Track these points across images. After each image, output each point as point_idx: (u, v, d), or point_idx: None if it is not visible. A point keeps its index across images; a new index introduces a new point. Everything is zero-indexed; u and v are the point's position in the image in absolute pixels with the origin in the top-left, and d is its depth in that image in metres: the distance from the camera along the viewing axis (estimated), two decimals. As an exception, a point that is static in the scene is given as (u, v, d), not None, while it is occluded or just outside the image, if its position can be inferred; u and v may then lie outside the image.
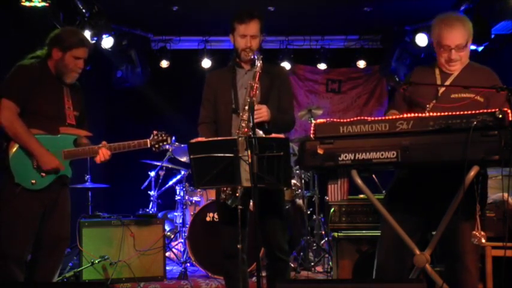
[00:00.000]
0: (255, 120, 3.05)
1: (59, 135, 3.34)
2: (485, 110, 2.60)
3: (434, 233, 2.90)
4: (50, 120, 3.31)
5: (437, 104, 2.91)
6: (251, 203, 3.49)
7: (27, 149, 3.24)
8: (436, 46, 3.00)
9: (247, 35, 3.27)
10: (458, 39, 2.93)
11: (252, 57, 3.26)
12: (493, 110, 2.53)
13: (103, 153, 3.39)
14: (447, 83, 2.97)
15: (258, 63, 3.19)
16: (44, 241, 3.31)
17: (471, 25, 3.01)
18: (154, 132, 3.51)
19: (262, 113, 3.16)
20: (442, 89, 2.95)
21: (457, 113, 2.58)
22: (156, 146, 3.49)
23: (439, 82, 2.99)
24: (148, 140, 3.48)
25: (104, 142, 3.43)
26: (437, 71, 3.03)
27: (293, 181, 5.44)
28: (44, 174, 3.27)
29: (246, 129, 3.10)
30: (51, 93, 3.35)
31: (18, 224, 3.22)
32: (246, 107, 3.15)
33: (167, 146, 5.78)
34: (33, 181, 3.24)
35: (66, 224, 3.45)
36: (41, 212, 3.29)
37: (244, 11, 3.31)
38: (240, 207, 3.02)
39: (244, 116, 3.15)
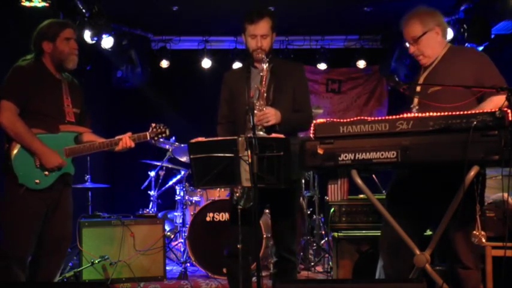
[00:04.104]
0: (263, 124, 3.05)
1: (59, 134, 3.34)
2: (483, 110, 2.61)
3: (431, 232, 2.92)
4: (50, 119, 3.32)
5: (421, 99, 2.93)
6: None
7: (30, 149, 3.24)
8: None
9: (257, 35, 3.24)
10: (411, 32, 2.99)
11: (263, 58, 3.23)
12: (493, 110, 2.54)
13: (126, 140, 3.40)
14: (423, 77, 3.01)
15: (264, 66, 3.16)
16: (46, 241, 3.31)
17: (432, 17, 3.02)
18: (153, 124, 3.52)
19: (269, 116, 3.12)
20: (420, 85, 3.00)
21: (457, 113, 2.58)
22: (155, 138, 3.51)
23: (421, 79, 3.03)
24: (147, 133, 3.49)
25: (129, 133, 3.45)
26: (422, 68, 3.08)
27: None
28: (47, 173, 3.27)
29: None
30: (50, 92, 3.35)
31: (21, 224, 3.22)
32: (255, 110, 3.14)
33: (169, 146, 5.79)
34: (37, 181, 3.25)
35: (69, 224, 3.45)
36: (43, 212, 3.29)
37: (254, 11, 3.28)
38: (239, 207, 3.01)
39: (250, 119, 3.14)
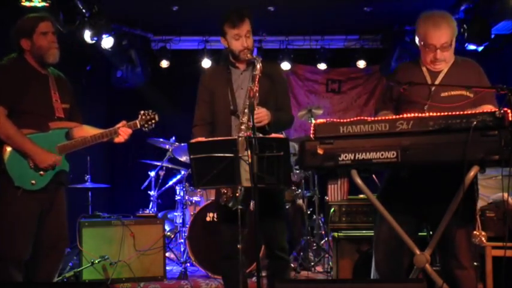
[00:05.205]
0: (257, 125, 3.04)
1: (50, 131, 3.29)
2: (483, 110, 2.61)
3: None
4: (39, 117, 3.26)
5: (431, 103, 2.91)
6: (251, 203, 3.49)
7: (21, 150, 3.19)
8: (421, 45, 3.00)
9: (241, 36, 3.24)
10: (443, 38, 2.92)
11: (251, 59, 3.22)
12: (493, 110, 2.54)
13: (123, 131, 3.37)
14: (437, 81, 2.98)
15: (258, 66, 3.16)
16: (43, 242, 3.28)
17: (455, 23, 3.00)
18: (141, 112, 3.47)
19: (263, 116, 3.13)
20: (433, 88, 2.96)
21: (457, 113, 2.58)
22: (146, 125, 3.45)
23: (428, 80, 2.99)
24: (137, 121, 3.43)
25: (123, 122, 3.42)
26: (424, 69, 3.02)
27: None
28: (42, 173, 3.24)
29: (246, 133, 3.04)
30: (37, 89, 3.29)
31: (18, 226, 3.19)
32: (246, 110, 3.13)
33: (169, 146, 5.79)
34: (33, 181, 3.22)
35: (65, 223, 3.41)
36: (38, 212, 3.25)
37: (233, 13, 3.26)
38: (239, 207, 3.01)
39: (244, 119, 3.14)
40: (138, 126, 3.44)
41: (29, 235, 3.24)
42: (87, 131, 3.43)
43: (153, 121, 3.47)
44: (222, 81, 3.33)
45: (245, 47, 3.24)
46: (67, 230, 3.46)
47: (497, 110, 2.58)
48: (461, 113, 2.58)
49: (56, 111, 3.34)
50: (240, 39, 3.24)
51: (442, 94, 2.93)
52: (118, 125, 3.41)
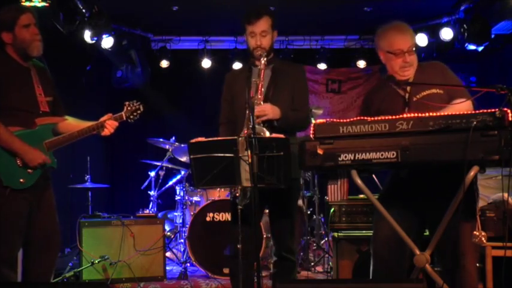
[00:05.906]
0: (260, 119, 3.06)
1: (37, 128, 3.22)
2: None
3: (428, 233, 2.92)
4: (25, 114, 3.20)
5: (409, 110, 2.91)
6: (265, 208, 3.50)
7: (10, 149, 3.12)
8: (386, 56, 3.00)
9: (256, 34, 3.27)
10: (409, 42, 2.95)
11: (259, 56, 3.25)
12: (493, 110, 2.54)
13: (109, 124, 3.32)
14: (407, 89, 2.98)
15: (262, 61, 3.19)
16: (36, 239, 3.22)
17: None
18: (126, 103, 3.41)
19: (266, 111, 3.14)
20: (407, 95, 2.97)
21: (457, 112, 2.59)
22: (131, 117, 3.39)
23: (400, 91, 3.00)
24: (123, 113, 3.38)
25: (109, 114, 3.37)
26: (392, 84, 3.03)
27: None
28: (30, 171, 3.16)
29: (246, 131, 3.04)
30: (20, 83, 3.23)
31: (7, 226, 3.13)
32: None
33: (169, 146, 5.79)
34: (22, 180, 3.14)
35: (55, 218, 3.33)
36: (27, 211, 3.18)
37: (251, 11, 3.31)
38: (239, 207, 3.01)
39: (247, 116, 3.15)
40: (124, 118, 3.38)
41: (19, 235, 3.16)
42: (73, 125, 3.37)
43: (138, 111, 3.40)
44: (242, 80, 3.36)
45: (258, 45, 3.27)
46: (58, 224, 3.36)
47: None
48: (462, 112, 2.58)
49: (40, 105, 3.27)
50: (254, 36, 3.28)
51: (415, 98, 2.94)
52: (104, 118, 3.35)
